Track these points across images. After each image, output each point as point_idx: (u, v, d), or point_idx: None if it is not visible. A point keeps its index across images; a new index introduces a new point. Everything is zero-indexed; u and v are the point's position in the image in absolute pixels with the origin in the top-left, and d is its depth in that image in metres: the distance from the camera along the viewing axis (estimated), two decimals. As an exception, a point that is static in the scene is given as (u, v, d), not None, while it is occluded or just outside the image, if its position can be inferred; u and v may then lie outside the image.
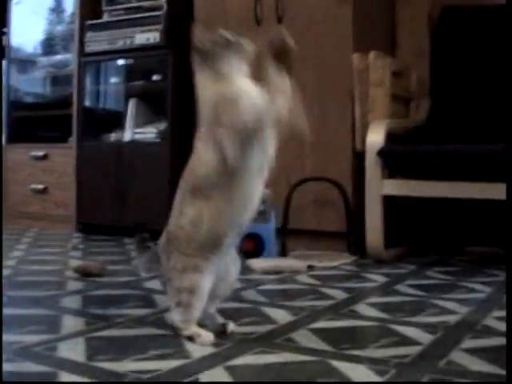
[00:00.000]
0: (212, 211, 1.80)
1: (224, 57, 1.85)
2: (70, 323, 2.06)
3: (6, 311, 2.22)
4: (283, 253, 3.47)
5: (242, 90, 1.80)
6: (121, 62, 4.65)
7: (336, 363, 1.65)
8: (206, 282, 1.82)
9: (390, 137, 3.38)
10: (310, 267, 3.21)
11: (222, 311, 2.21)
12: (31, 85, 5.43)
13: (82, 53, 4.75)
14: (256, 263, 3.16)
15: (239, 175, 1.78)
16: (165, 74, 4.33)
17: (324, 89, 3.76)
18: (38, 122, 5.25)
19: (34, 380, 1.51)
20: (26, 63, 5.45)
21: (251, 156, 1.77)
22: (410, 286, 2.75)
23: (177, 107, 4.28)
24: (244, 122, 1.74)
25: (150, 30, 4.35)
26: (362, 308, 2.33)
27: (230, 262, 1.95)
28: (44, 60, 5.26)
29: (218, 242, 1.81)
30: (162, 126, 4.35)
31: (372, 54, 3.54)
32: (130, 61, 4.59)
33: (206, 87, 1.85)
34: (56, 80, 5.28)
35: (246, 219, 1.84)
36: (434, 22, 3.99)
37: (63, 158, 4.84)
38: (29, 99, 5.45)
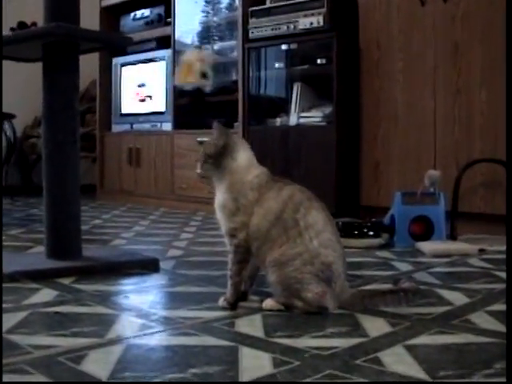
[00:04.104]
0: None
1: None
2: (245, 303, 2.11)
3: (182, 289, 2.34)
4: (453, 236, 3.40)
5: None
6: (284, 46, 4.68)
7: (517, 346, 1.61)
8: None
9: None
10: (482, 251, 3.13)
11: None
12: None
13: (245, 39, 4.84)
14: (425, 246, 3.12)
15: None
16: (329, 57, 4.34)
17: (491, 70, 3.66)
18: (203, 108, 5.40)
19: (218, 353, 1.57)
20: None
21: None
22: None
23: (342, 90, 4.28)
24: None
25: (312, 14, 4.36)
26: (541, 292, 2.26)
27: None
28: (206, 49, 5.40)
29: None
30: (328, 109, 4.36)
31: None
32: (294, 45, 4.61)
33: None
34: (218, 67, 5.40)
35: None
36: None
37: (229, 143, 4.94)
38: (192, 87, 5.59)
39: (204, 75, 2.73)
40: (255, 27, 4.74)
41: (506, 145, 3.22)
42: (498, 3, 3.62)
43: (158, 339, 1.73)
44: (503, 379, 1.38)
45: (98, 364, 1.47)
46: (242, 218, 2.00)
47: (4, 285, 2.24)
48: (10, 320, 1.84)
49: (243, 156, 2.07)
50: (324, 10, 4.28)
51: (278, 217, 1.95)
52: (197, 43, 5.46)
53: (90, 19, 4.80)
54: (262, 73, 4.96)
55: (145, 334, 1.74)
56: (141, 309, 2.02)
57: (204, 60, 2.74)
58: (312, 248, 1.92)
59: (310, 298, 1.92)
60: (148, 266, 2.65)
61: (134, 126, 5.93)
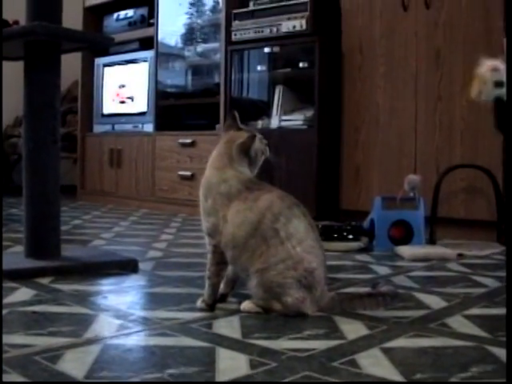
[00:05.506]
0: None
1: None
2: (224, 304, 2.11)
3: (161, 290, 2.34)
4: (432, 240, 3.41)
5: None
6: (267, 49, 4.68)
7: (493, 349, 1.62)
8: None
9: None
10: (460, 255, 3.15)
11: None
12: (177, 76, 5.59)
13: (228, 42, 4.85)
14: (404, 250, 3.13)
15: None
16: (311, 61, 4.35)
17: (472, 76, 3.68)
18: (185, 110, 5.40)
19: (195, 354, 1.57)
20: (169, 55, 5.61)
21: None
22: None
23: (323, 94, 4.29)
24: None
25: (296, 18, 4.37)
26: (518, 297, 2.27)
27: None
28: (189, 51, 5.40)
29: None
30: (309, 113, 4.37)
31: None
32: (277, 48, 4.61)
33: None
34: (200, 70, 5.40)
35: None
36: None
37: (210, 145, 4.91)
38: (175, 89, 5.60)
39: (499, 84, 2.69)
40: (238, 30, 4.74)
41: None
42: (479, 10, 3.65)
43: (135, 339, 1.73)
44: (480, 381, 1.39)
45: (74, 363, 1.47)
46: (214, 220, 2.00)
47: (-19, 284, 2.23)
48: (-14, 319, 1.83)
49: (215, 151, 2.12)
50: (307, 13, 4.30)
51: (256, 227, 1.93)
52: (180, 45, 5.46)
53: (72, 19, 4.79)
54: (245, 75, 4.96)
55: (122, 335, 1.73)
56: (119, 309, 2.02)
57: (498, 69, 2.71)
58: (295, 254, 1.91)
59: (290, 303, 1.91)
60: (127, 267, 2.64)
61: (116, 126, 5.91)
